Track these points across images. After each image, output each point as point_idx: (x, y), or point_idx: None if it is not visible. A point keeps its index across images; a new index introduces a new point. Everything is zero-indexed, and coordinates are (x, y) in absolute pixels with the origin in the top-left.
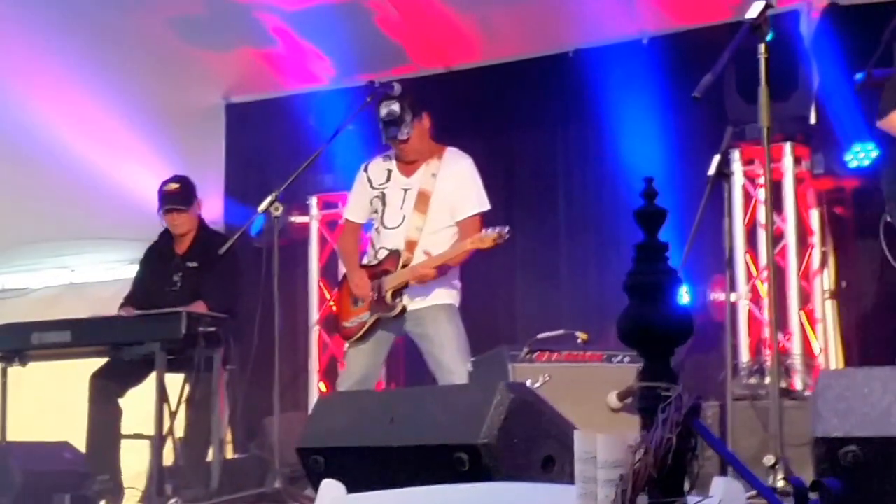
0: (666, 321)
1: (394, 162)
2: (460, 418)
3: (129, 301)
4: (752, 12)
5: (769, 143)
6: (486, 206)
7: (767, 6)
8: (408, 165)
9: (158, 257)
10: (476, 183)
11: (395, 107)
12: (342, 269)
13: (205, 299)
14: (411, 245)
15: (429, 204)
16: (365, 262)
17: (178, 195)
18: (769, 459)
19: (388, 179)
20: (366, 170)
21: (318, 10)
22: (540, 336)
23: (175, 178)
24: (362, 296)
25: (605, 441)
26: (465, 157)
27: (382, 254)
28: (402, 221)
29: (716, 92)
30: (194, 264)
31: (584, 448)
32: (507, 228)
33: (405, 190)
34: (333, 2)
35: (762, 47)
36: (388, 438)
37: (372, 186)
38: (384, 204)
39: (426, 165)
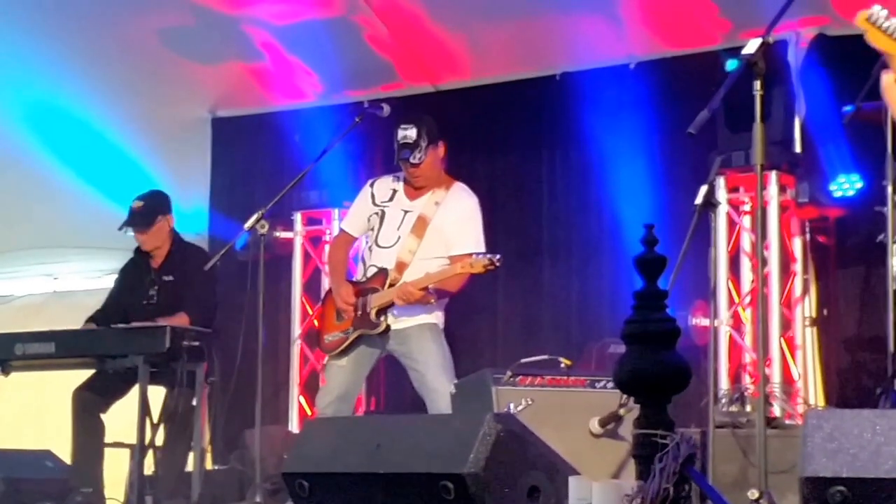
0: (664, 370)
1: (401, 183)
2: (447, 447)
3: (95, 317)
4: (749, 48)
5: (762, 179)
6: (482, 249)
7: (764, 43)
8: (414, 190)
9: (134, 272)
10: (477, 223)
11: (412, 132)
12: (325, 285)
13: (186, 311)
14: (401, 266)
15: (426, 230)
16: (354, 278)
17: (138, 216)
18: (753, 493)
19: (392, 199)
20: (371, 185)
21: (307, 26)
22: (523, 360)
23: (143, 196)
24: (346, 309)
25: (600, 488)
26: (472, 196)
27: (371, 271)
28: (396, 242)
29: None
30: (170, 278)
31: (578, 494)
32: (497, 256)
33: (405, 212)
34: (322, 17)
35: (757, 84)
36: (374, 465)
37: (374, 203)
38: (381, 222)
39: (432, 193)
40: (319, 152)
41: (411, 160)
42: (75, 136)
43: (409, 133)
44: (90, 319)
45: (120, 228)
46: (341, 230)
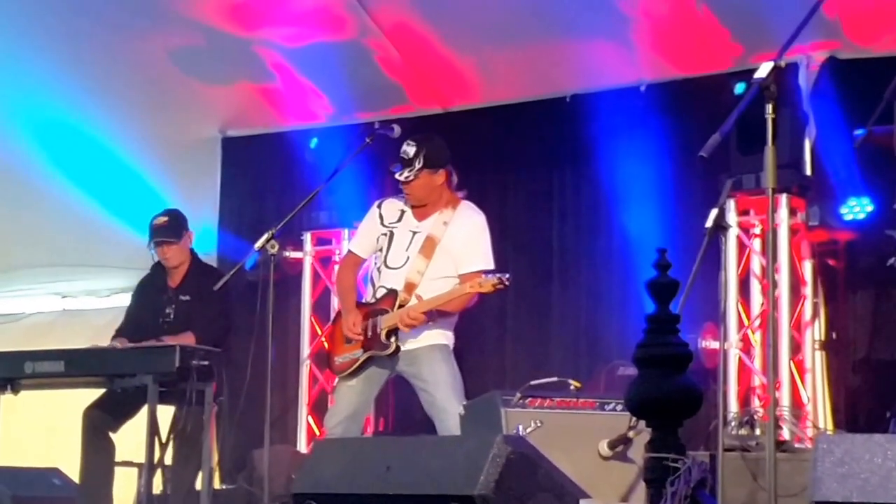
0: (676, 395)
1: (409, 204)
2: (457, 469)
3: (122, 332)
4: (761, 72)
5: (773, 203)
6: (491, 266)
7: (776, 67)
8: (421, 210)
9: (151, 289)
10: (485, 241)
11: (411, 150)
12: (335, 304)
13: (194, 332)
14: (410, 287)
15: (434, 250)
16: (363, 300)
17: (167, 228)
18: None
19: (400, 220)
20: (379, 206)
21: (318, 48)
22: (533, 382)
23: (165, 212)
24: (353, 337)
25: None
26: (479, 213)
27: (381, 292)
28: (405, 263)
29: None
30: (187, 297)
31: None
32: (507, 275)
33: (414, 233)
34: (333, 40)
35: (769, 107)
36: (384, 486)
37: (382, 224)
38: (390, 243)
39: (439, 213)
40: (330, 172)
41: (397, 175)
42: (86, 155)
43: (407, 150)
44: (117, 333)
45: (149, 244)
46: (349, 252)
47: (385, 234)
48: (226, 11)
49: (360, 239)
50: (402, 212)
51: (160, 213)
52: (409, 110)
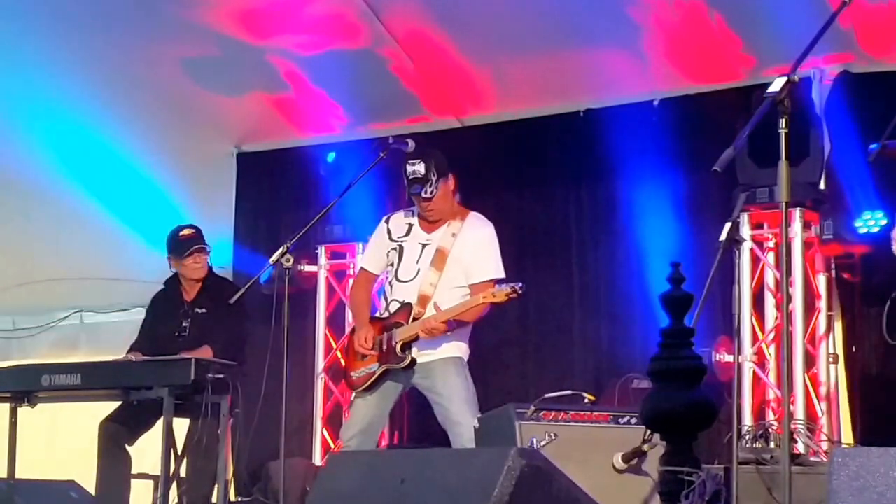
0: (691, 408)
1: (416, 217)
2: (471, 482)
3: (137, 346)
4: (775, 87)
5: (787, 217)
6: (501, 275)
7: (789, 81)
8: (429, 223)
9: (167, 304)
10: (495, 250)
11: (420, 167)
12: (350, 318)
13: (210, 345)
14: (424, 299)
15: (445, 262)
16: (377, 314)
17: (200, 237)
18: None
19: (408, 233)
20: (387, 221)
21: (332, 56)
22: (547, 395)
23: (189, 226)
24: (364, 352)
25: None
26: (488, 224)
27: (394, 306)
28: (416, 275)
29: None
30: (203, 311)
31: None
32: (520, 284)
33: (423, 245)
34: (348, 48)
35: (783, 122)
36: (399, 499)
37: (390, 238)
38: (400, 257)
39: (448, 225)
40: (344, 186)
41: (423, 194)
42: (104, 168)
43: (417, 168)
44: (132, 348)
45: (183, 254)
46: (361, 269)
47: (395, 249)
48: (238, 19)
49: (371, 255)
50: (410, 225)
51: (184, 225)
52: (424, 120)
